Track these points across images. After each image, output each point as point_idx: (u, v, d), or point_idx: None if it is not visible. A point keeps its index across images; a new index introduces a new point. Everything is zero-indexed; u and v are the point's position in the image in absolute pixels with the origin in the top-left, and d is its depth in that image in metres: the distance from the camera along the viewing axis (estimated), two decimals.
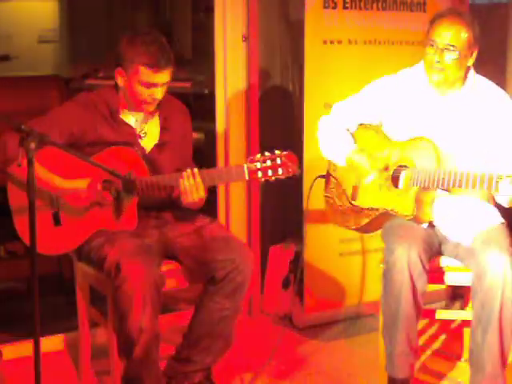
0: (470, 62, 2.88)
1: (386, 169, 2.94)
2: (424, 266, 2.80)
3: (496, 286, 2.71)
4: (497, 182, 2.64)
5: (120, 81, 2.86)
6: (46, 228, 2.85)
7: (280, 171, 2.70)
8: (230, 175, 2.75)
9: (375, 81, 3.10)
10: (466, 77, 2.92)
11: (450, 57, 2.82)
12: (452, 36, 2.81)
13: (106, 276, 2.76)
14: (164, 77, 2.81)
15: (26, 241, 2.80)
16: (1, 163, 2.80)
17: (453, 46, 2.81)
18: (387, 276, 2.83)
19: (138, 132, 2.94)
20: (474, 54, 2.87)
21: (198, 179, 2.76)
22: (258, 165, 2.70)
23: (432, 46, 2.84)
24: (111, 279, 2.72)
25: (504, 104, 2.92)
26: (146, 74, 2.79)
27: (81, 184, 2.80)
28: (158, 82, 2.81)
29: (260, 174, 2.71)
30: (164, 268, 2.91)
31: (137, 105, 2.88)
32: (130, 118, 2.93)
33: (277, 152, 2.71)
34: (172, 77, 2.86)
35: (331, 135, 3.07)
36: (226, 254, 2.84)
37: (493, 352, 2.77)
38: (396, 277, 2.79)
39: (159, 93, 2.83)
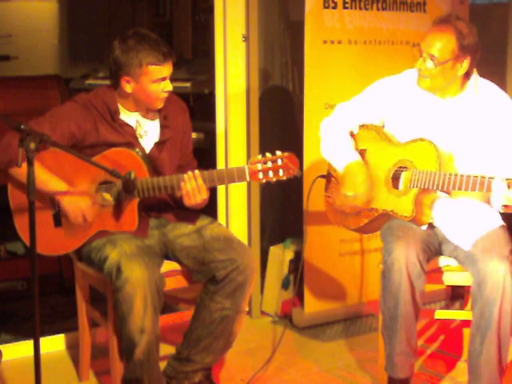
0: (461, 71, 2.84)
1: (386, 183, 2.95)
2: (422, 266, 2.80)
3: (495, 295, 2.71)
4: (489, 181, 2.65)
5: (128, 88, 2.84)
6: (46, 229, 2.85)
7: (281, 172, 2.70)
8: (232, 176, 2.75)
9: (377, 81, 3.10)
10: (464, 82, 2.91)
11: (429, 66, 2.81)
12: (434, 45, 2.80)
13: (107, 277, 2.77)
14: (171, 67, 2.85)
15: (26, 241, 2.80)
16: (4, 164, 2.80)
17: (432, 55, 2.80)
18: (386, 276, 2.84)
19: (138, 132, 2.94)
20: (465, 63, 2.83)
21: (200, 181, 2.76)
22: (259, 166, 2.70)
23: (420, 52, 2.85)
24: (112, 281, 2.72)
25: (506, 108, 2.90)
26: (156, 71, 2.80)
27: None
28: (167, 74, 2.84)
29: (261, 175, 2.70)
30: (164, 268, 2.91)
31: (151, 104, 2.88)
32: (130, 118, 2.93)
33: (278, 153, 2.71)
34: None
35: (333, 140, 3.06)
36: (226, 254, 2.85)
37: (490, 360, 2.77)
38: (394, 277, 2.79)
39: (169, 84, 2.86)
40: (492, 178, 2.66)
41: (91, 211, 2.83)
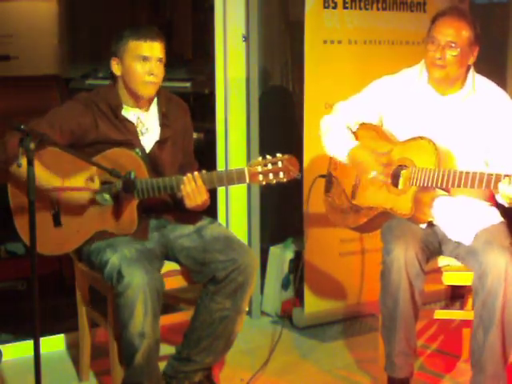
0: (471, 60, 2.89)
1: (388, 165, 2.93)
2: (421, 266, 2.80)
3: (497, 286, 2.71)
4: (495, 181, 2.65)
5: (117, 70, 2.89)
6: (45, 228, 2.84)
7: (281, 175, 2.70)
8: (231, 178, 2.75)
9: (376, 81, 3.11)
10: (466, 76, 2.93)
11: (451, 53, 2.83)
12: (453, 33, 2.82)
13: (107, 281, 2.76)
14: (155, 49, 2.85)
15: (26, 241, 2.80)
16: (2, 162, 2.80)
17: (454, 42, 2.82)
18: (385, 276, 2.84)
19: (139, 128, 2.94)
20: (475, 53, 2.88)
21: (200, 182, 2.76)
22: (259, 168, 2.70)
23: (433, 43, 2.85)
24: (112, 285, 2.72)
25: (504, 104, 2.92)
26: (138, 46, 2.83)
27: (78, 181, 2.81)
28: (150, 54, 2.84)
29: (261, 177, 2.70)
30: (164, 268, 2.91)
31: (137, 88, 2.86)
32: (131, 115, 2.93)
33: (278, 155, 2.71)
34: (165, 54, 2.88)
35: (334, 132, 3.07)
36: (227, 255, 2.84)
37: (494, 352, 2.76)
38: (393, 277, 2.79)
39: (155, 68, 2.85)
40: (491, 175, 2.67)
41: (89, 196, 2.83)
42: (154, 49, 2.85)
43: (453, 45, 2.82)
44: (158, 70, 2.86)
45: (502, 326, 2.74)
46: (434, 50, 2.85)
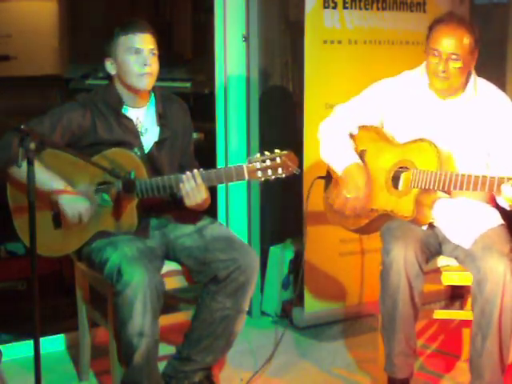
0: (472, 65, 2.88)
1: (386, 183, 2.95)
2: (421, 267, 2.80)
3: (496, 293, 2.71)
4: (498, 184, 2.65)
5: (111, 69, 2.89)
6: (45, 230, 2.84)
7: (280, 171, 2.70)
8: (230, 175, 2.75)
9: (376, 83, 3.10)
10: (467, 80, 2.92)
11: (455, 66, 2.81)
12: (454, 44, 2.80)
13: (107, 280, 2.76)
14: (146, 40, 2.85)
15: (26, 241, 2.80)
16: (4, 162, 2.79)
17: (456, 54, 2.80)
18: (384, 277, 2.84)
19: (139, 128, 2.94)
20: (476, 57, 2.87)
21: (199, 180, 2.75)
22: (258, 165, 2.70)
23: (435, 55, 2.83)
24: (112, 283, 2.72)
25: (504, 107, 2.91)
26: (129, 40, 2.83)
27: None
28: (142, 46, 2.83)
29: (260, 173, 2.70)
30: (165, 268, 2.91)
31: (133, 81, 2.85)
32: (130, 115, 2.93)
33: (276, 151, 2.71)
34: (156, 46, 2.88)
35: (332, 142, 3.06)
36: (228, 254, 2.84)
37: (492, 359, 2.77)
38: (393, 278, 2.79)
39: (149, 59, 2.84)
40: (494, 178, 2.67)
41: (89, 212, 2.82)
42: (145, 40, 2.85)
43: (455, 57, 2.80)
44: (152, 61, 2.86)
45: (500, 333, 2.74)
46: (436, 63, 2.83)
